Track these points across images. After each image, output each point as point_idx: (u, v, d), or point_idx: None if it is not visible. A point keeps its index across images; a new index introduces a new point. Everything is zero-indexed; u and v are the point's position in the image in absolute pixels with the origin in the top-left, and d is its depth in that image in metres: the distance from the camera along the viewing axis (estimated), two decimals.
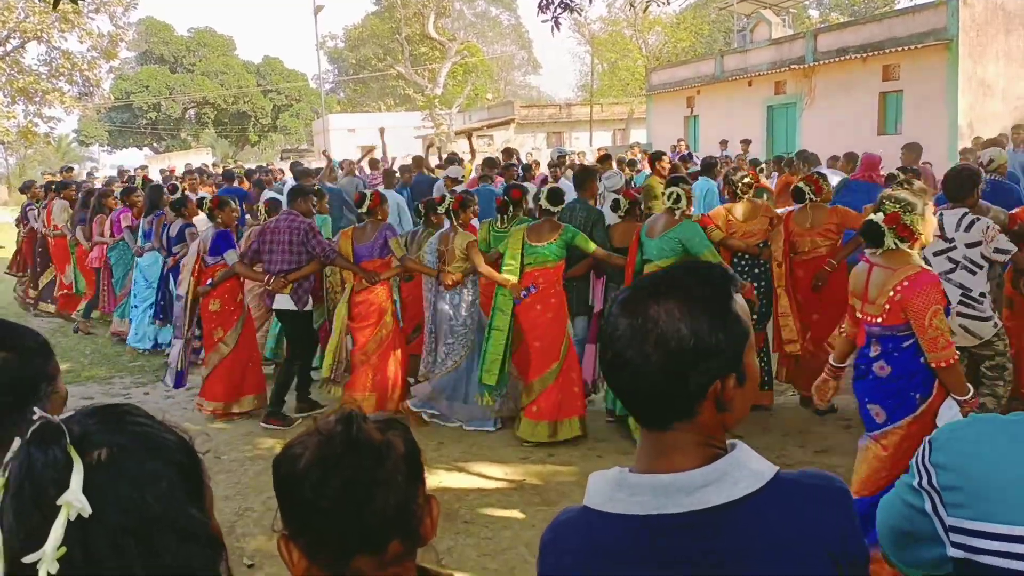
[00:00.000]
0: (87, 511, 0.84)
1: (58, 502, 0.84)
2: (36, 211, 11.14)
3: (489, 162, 11.55)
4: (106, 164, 46.06)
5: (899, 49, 17.40)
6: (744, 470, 1.13)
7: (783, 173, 10.67)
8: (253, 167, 17.31)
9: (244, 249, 6.63)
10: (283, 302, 6.27)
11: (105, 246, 9.55)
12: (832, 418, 5.80)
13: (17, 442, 0.90)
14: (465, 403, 6.07)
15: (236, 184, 12.81)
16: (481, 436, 5.86)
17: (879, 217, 3.56)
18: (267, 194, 9.83)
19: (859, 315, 3.69)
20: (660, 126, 26.51)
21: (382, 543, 1.16)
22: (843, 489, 1.16)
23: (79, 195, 10.57)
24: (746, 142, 15.78)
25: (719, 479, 1.12)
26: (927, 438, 1.33)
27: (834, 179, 7.82)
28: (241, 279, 6.54)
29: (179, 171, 18.21)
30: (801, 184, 6.07)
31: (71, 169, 15.88)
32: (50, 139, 38.78)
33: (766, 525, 1.10)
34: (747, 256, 6.05)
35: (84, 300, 10.15)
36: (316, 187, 7.70)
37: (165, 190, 9.39)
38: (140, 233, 8.94)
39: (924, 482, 1.24)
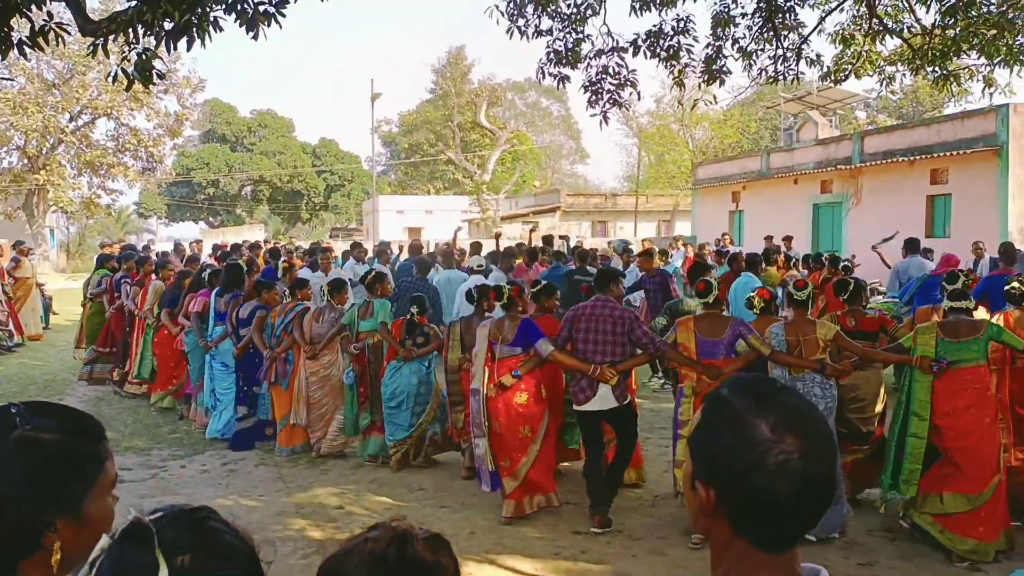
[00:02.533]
0: None
1: None
2: (128, 287, 10.42)
3: (521, 247, 12.05)
4: (163, 236, 47.51)
5: (948, 154, 17.43)
6: None
7: (811, 272, 10.60)
8: (305, 245, 17.76)
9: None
10: (603, 401, 5.69)
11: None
12: (878, 529, 5.59)
13: (105, 539, 0.95)
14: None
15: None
16: (514, 529, 5.75)
17: None
18: (335, 273, 10.13)
19: None
20: (705, 219, 26.65)
21: None
22: None
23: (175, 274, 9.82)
24: (788, 239, 15.76)
25: None
26: None
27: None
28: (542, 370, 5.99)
29: (235, 245, 18.60)
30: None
31: (146, 247, 15.92)
32: (111, 211, 40.26)
33: None
34: None
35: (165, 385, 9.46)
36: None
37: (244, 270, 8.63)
38: (212, 314, 8.50)
39: None
